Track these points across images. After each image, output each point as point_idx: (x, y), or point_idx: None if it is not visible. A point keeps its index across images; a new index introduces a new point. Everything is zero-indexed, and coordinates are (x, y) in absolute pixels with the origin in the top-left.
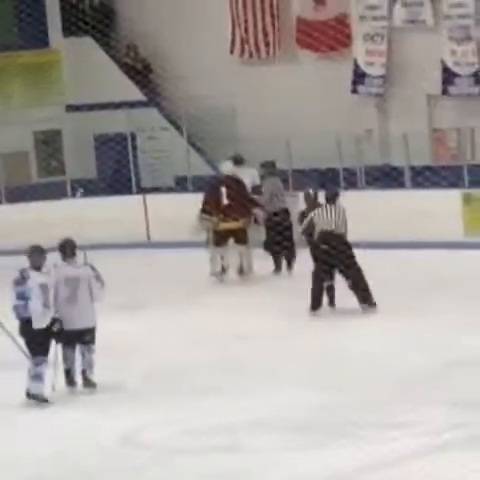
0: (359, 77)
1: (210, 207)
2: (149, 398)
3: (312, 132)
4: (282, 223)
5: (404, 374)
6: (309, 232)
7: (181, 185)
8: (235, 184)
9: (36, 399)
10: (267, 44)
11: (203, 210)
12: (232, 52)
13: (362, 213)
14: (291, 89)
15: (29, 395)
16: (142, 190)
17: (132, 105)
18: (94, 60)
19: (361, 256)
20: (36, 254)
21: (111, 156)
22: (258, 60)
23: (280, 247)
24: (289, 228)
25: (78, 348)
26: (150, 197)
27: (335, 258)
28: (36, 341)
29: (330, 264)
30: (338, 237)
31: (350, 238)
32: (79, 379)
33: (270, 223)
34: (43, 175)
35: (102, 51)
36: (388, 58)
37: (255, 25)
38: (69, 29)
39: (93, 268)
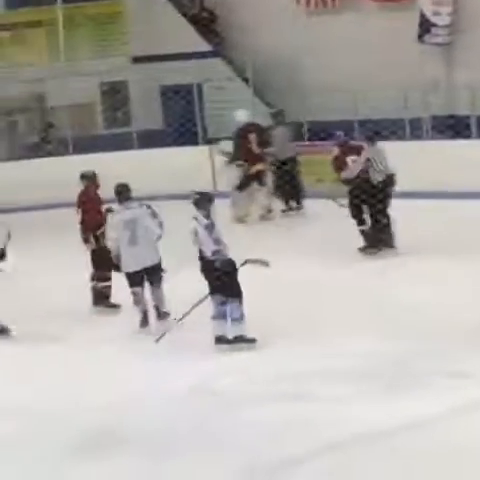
0: (425, 27)
1: (241, 154)
2: (215, 348)
3: (378, 83)
4: (291, 171)
5: (469, 323)
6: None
7: None
8: (259, 130)
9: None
10: None
11: (235, 158)
12: (298, 2)
13: (428, 163)
14: (356, 39)
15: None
16: (209, 141)
17: (198, 56)
18: (159, 11)
19: (425, 205)
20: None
21: (177, 107)
22: (323, 10)
23: (288, 195)
24: (296, 176)
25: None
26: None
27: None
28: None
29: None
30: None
31: (416, 186)
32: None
33: (279, 171)
34: (109, 126)
35: (168, 2)
36: (454, 7)
37: None
38: None
39: (149, 207)
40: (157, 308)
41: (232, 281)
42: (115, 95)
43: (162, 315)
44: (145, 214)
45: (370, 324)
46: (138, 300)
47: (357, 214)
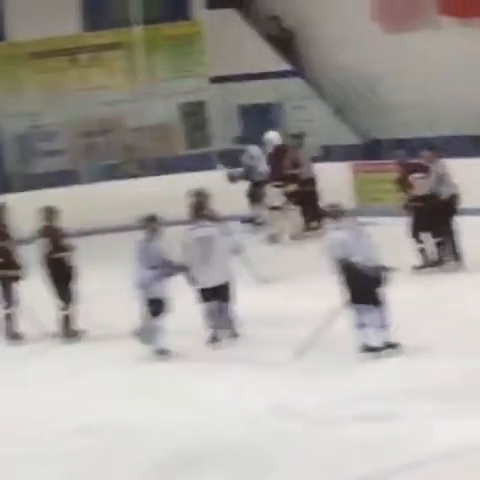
0: None
1: (277, 174)
2: (299, 366)
3: (455, 99)
4: (313, 192)
5: None
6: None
7: (327, 154)
8: (291, 152)
9: None
10: (409, 11)
11: (272, 178)
12: (374, 20)
13: None
14: (434, 56)
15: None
16: None
17: (277, 75)
18: (238, 31)
19: None
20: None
21: (256, 126)
22: (401, 27)
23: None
24: (314, 195)
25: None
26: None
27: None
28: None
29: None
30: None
31: None
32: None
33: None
34: (188, 147)
35: (245, 22)
36: None
37: None
38: (212, 1)
39: (225, 226)
40: (228, 327)
41: (379, 288)
42: (194, 115)
43: (232, 334)
44: (221, 234)
45: (453, 341)
46: (210, 316)
47: (417, 233)
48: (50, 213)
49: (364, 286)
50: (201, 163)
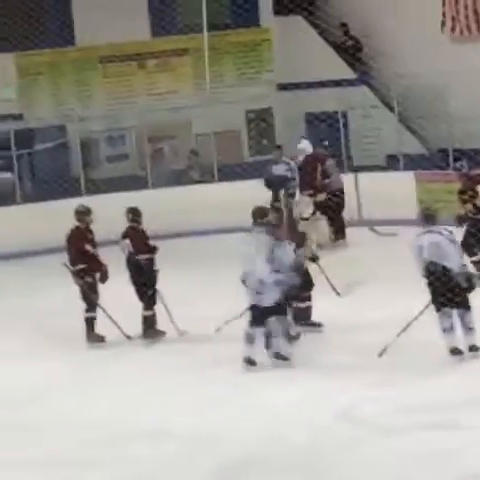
0: None
1: (309, 183)
2: (362, 373)
3: None
4: (341, 203)
5: None
6: None
7: (392, 164)
8: (322, 161)
9: None
10: (478, 22)
11: (303, 187)
12: (443, 30)
13: None
14: None
15: None
16: (353, 169)
17: (342, 83)
18: (304, 38)
19: None
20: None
21: (322, 134)
22: (468, 37)
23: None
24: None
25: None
26: (361, 175)
27: None
28: None
29: None
30: None
31: None
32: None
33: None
34: (255, 154)
35: (312, 30)
36: None
37: (466, 4)
38: (279, 8)
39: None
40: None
41: (465, 293)
42: (260, 122)
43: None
44: None
45: None
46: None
47: (473, 245)
48: (134, 214)
49: (451, 290)
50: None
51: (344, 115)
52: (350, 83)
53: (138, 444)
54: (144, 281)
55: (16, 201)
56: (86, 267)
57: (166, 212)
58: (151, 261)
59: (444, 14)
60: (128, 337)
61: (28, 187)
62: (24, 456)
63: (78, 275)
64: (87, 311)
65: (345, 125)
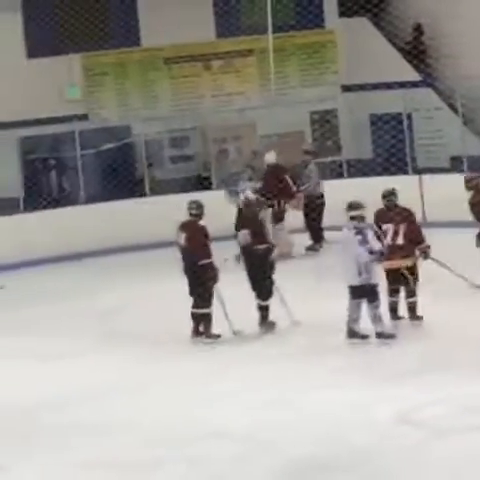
0: None
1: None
2: (422, 375)
3: None
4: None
5: None
6: None
7: (456, 165)
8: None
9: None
10: None
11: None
12: None
13: None
14: None
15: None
16: (418, 171)
17: (408, 85)
18: (369, 40)
19: None
20: None
21: (386, 136)
22: None
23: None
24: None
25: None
26: (426, 177)
27: None
28: None
29: None
30: None
31: None
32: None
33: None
34: (319, 155)
35: (377, 31)
36: None
37: None
38: (344, 10)
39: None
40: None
41: None
42: (325, 124)
43: (381, 335)
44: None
45: None
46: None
47: None
48: (258, 205)
49: None
50: (331, 172)
51: (409, 117)
52: (414, 85)
53: (201, 445)
54: (263, 271)
55: (79, 201)
56: (210, 262)
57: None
58: (266, 252)
59: None
60: (235, 333)
61: (92, 188)
62: (91, 457)
63: (205, 270)
64: (204, 307)
65: (409, 127)
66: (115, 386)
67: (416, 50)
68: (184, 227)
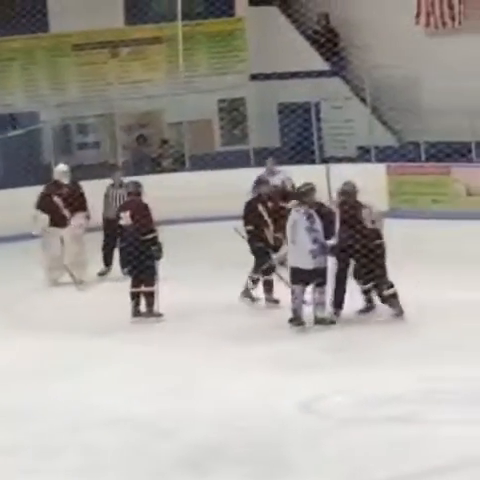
0: None
1: None
2: (326, 367)
3: None
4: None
5: None
6: None
7: (364, 155)
8: None
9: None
10: (452, 16)
11: None
12: (417, 23)
13: None
14: (477, 61)
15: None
16: (325, 160)
17: (316, 74)
18: (278, 29)
19: None
20: None
21: (294, 125)
22: (443, 31)
23: None
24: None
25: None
26: (333, 167)
27: None
28: None
29: None
30: None
31: None
32: None
33: None
34: (226, 143)
35: (287, 20)
36: None
37: None
38: None
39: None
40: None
41: None
42: (233, 112)
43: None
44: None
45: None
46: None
47: None
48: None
49: None
50: (238, 160)
51: (317, 106)
52: (323, 74)
53: (98, 432)
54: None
55: None
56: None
57: None
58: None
59: (419, 6)
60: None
61: None
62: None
63: (150, 245)
64: (149, 285)
65: (317, 116)
66: (14, 373)
67: (325, 39)
68: (126, 206)
